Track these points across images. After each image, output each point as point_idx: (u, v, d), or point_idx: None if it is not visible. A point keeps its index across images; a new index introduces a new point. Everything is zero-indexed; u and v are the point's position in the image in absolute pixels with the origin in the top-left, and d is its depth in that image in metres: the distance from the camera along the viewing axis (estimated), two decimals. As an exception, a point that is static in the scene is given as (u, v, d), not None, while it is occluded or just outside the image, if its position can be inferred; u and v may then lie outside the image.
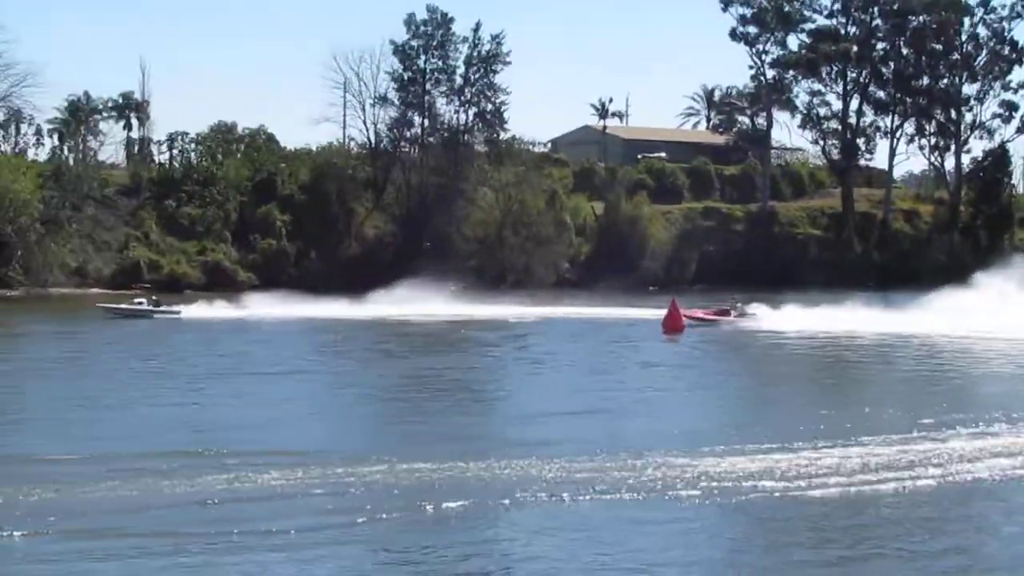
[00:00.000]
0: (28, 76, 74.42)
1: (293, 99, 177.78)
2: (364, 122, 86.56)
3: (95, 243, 75.56)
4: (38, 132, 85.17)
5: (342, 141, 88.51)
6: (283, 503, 18.21)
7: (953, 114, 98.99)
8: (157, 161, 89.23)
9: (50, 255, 71.37)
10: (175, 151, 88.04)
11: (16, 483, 18.48)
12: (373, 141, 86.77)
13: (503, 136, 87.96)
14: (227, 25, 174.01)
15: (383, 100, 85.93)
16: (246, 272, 76.20)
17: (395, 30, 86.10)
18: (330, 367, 40.51)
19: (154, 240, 77.03)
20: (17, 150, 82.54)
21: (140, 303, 58.31)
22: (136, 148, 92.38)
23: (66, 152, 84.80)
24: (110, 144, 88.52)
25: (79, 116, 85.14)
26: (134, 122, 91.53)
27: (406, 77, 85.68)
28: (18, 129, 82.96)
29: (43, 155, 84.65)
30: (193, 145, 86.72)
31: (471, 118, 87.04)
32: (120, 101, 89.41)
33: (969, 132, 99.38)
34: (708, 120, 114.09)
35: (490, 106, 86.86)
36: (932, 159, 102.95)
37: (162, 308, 57.41)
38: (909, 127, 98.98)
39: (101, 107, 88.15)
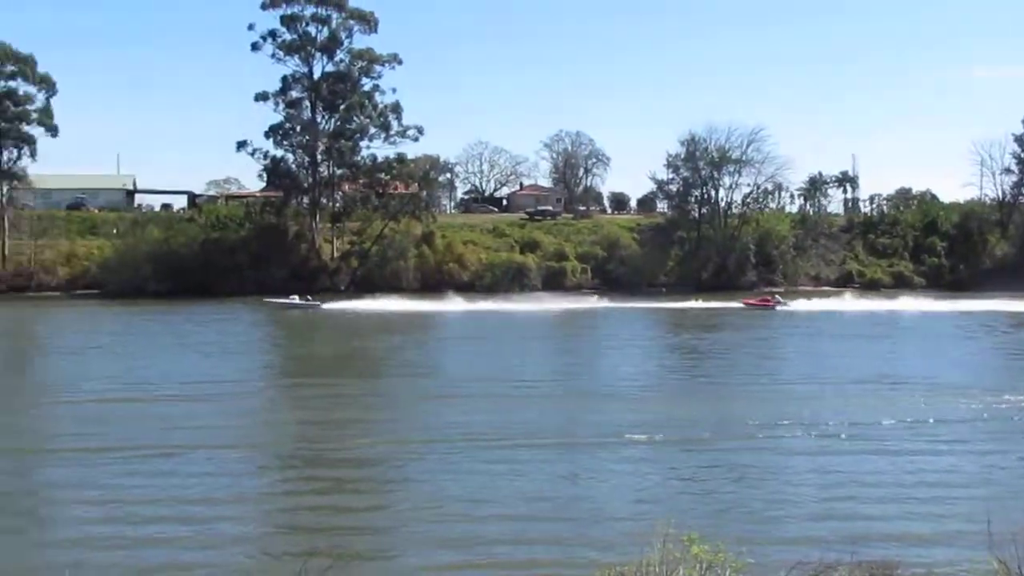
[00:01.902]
0: (785, 163, 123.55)
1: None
2: (995, 185, 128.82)
3: (825, 260, 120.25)
4: (791, 195, 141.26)
5: (979, 197, 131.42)
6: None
7: None
8: (863, 211, 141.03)
9: (799, 268, 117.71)
10: (874, 205, 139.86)
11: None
12: (1001, 196, 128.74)
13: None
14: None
15: (1007, 171, 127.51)
16: (918, 278, 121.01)
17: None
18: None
19: (861, 258, 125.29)
20: (779, 206, 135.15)
21: (292, 298, 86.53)
22: (850, 204, 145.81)
23: (808, 207, 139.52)
24: (834, 201, 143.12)
25: (815, 185, 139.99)
26: (849, 188, 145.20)
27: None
28: (779, 194, 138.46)
29: (794, 208, 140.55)
30: (886, 202, 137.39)
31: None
32: (839, 176, 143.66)
33: None
34: None
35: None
36: None
37: (307, 302, 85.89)
38: None
39: (828, 180, 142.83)
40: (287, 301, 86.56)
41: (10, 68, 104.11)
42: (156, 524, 24.94)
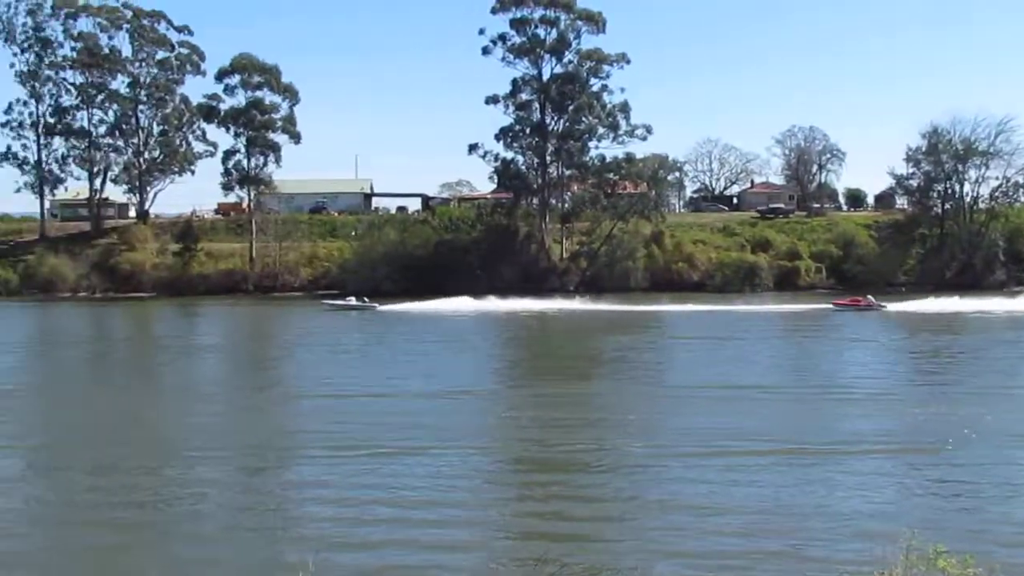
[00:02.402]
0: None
1: None
2: None
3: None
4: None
5: None
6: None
7: None
8: None
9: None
10: None
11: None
12: None
13: None
14: None
15: None
16: None
17: None
18: None
19: None
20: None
21: (349, 299, 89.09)
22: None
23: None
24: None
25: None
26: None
27: None
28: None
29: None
30: None
31: None
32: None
33: None
34: None
35: None
36: None
37: (363, 303, 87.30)
38: None
39: None
40: (344, 303, 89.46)
41: (257, 79, 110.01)
42: (388, 525, 25.40)
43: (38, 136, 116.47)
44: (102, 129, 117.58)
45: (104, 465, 31.88)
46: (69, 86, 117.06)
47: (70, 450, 34.92)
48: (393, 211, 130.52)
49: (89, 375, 56.74)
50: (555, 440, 34.86)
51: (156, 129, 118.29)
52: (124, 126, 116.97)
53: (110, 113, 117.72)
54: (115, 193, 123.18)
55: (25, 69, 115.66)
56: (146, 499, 28.20)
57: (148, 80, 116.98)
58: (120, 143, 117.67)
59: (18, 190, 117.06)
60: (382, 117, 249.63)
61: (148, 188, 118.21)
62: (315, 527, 25.49)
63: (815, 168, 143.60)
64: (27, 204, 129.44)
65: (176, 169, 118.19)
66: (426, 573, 22.35)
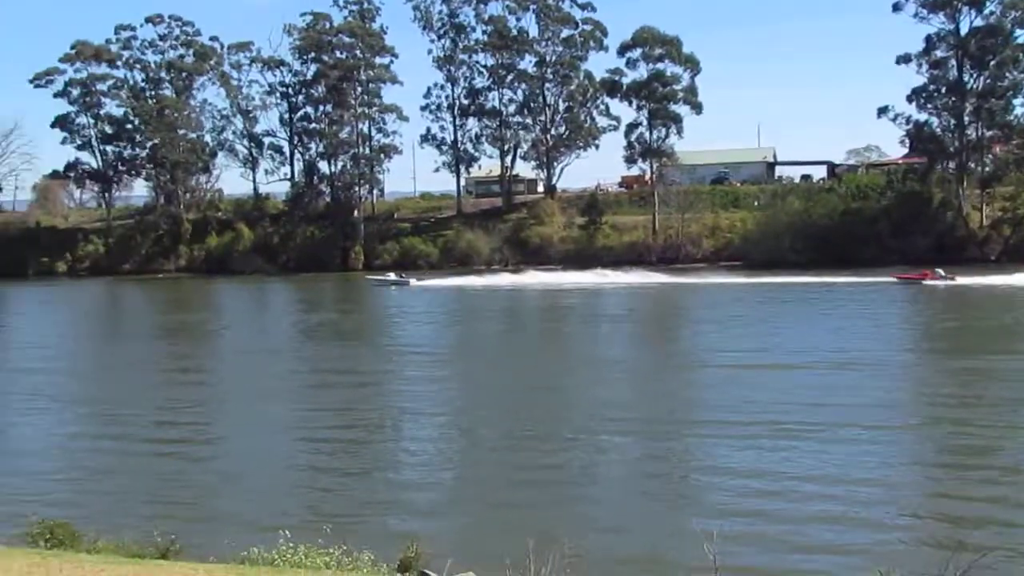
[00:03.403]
0: None
1: None
2: None
3: None
4: None
5: None
6: None
7: None
8: None
9: None
10: None
11: None
12: None
13: None
14: None
15: None
16: None
17: None
18: None
19: None
20: None
21: (388, 275, 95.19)
22: None
23: None
24: None
25: None
26: None
27: None
28: None
29: None
30: None
31: None
32: None
33: None
34: None
35: None
36: None
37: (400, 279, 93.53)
38: None
39: None
40: (383, 278, 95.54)
41: (658, 51, 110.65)
42: (799, 501, 24.60)
43: (454, 117, 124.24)
44: (511, 108, 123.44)
45: (516, 431, 33.51)
46: (481, 68, 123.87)
47: (490, 414, 37.05)
48: (797, 180, 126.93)
49: (505, 345, 59.72)
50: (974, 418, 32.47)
51: (562, 106, 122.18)
52: (532, 104, 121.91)
53: (519, 92, 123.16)
54: (524, 169, 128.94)
55: (441, 55, 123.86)
56: (556, 462, 29.24)
57: (554, 58, 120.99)
58: (528, 121, 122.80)
59: (437, 169, 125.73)
60: (783, 84, 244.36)
61: (555, 163, 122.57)
62: (720, 497, 25.23)
63: None
64: (445, 182, 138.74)
65: (581, 144, 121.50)
66: (847, 552, 21.29)
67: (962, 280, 78.76)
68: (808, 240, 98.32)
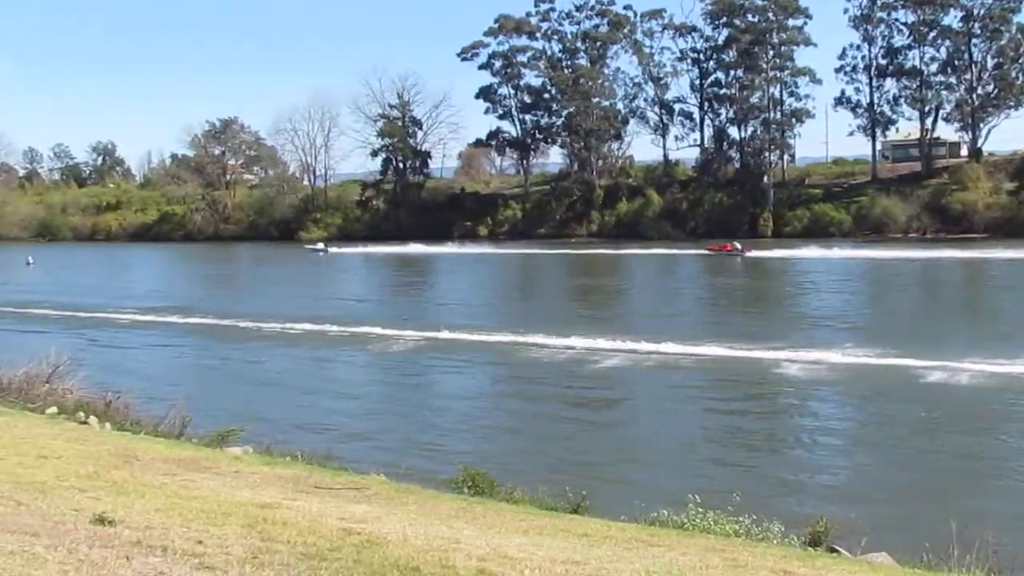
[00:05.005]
0: None
1: None
2: None
3: None
4: None
5: None
6: None
7: None
8: None
9: None
10: None
11: None
12: None
13: None
14: None
15: None
16: None
17: None
18: None
19: None
20: None
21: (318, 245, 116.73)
22: None
23: None
24: None
25: None
26: None
27: None
28: None
29: None
30: None
31: None
32: None
33: None
34: None
35: None
36: None
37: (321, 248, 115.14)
38: None
39: None
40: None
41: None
42: None
43: (870, 79, 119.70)
44: (933, 67, 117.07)
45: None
46: (901, 26, 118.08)
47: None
48: None
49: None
50: None
51: (990, 62, 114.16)
52: (956, 62, 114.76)
53: (942, 50, 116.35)
54: (946, 132, 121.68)
55: (858, 13, 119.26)
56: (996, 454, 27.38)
57: (982, 12, 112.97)
58: (952, 80, 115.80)
59: (851, 133, 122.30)
60: None
61: (981, 125, 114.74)
62: None
63: None
64: (859, 146, 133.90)
65: (1012, 104, 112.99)
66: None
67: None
68: None
